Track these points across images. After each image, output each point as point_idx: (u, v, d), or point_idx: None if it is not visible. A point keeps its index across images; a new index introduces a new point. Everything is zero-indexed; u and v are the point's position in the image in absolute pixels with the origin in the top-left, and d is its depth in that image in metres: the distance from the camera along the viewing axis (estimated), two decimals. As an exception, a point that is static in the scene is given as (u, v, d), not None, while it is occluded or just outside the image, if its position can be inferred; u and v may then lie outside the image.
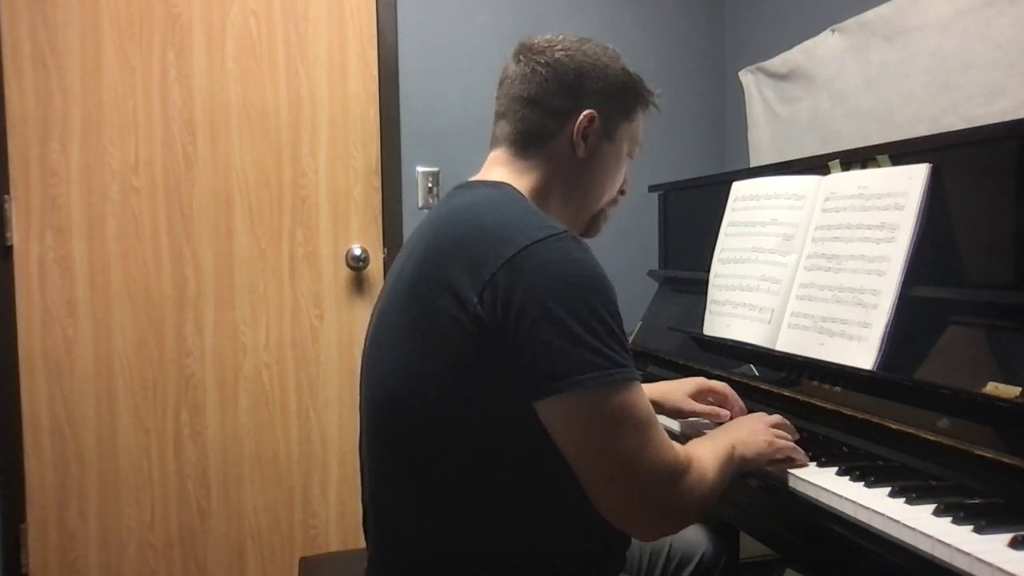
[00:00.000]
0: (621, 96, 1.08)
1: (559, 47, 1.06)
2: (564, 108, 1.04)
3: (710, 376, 1.51)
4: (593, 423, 0.85)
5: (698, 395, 1.33)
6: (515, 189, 1.02)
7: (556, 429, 0.87)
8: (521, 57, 1.07)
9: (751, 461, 1.04)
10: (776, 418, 1.14)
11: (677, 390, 1.34)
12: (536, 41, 1.08)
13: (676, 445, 0.91)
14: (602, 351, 0.85)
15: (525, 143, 1.05)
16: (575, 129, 1.04)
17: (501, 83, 1.10)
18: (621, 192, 1.16)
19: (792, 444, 1.09)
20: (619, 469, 0.86)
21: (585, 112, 1.04)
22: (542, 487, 0.94)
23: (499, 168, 1.07)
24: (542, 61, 1.05)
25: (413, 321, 0.92)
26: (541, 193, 1.05)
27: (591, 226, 1.15)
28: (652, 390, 1.34)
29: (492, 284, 0.86)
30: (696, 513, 0.92)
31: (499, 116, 1.09)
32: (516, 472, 0.93)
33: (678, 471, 0.89)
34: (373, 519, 1.05)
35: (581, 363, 0.84)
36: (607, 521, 0.90)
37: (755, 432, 1.08)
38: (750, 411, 1.28)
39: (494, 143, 1.10)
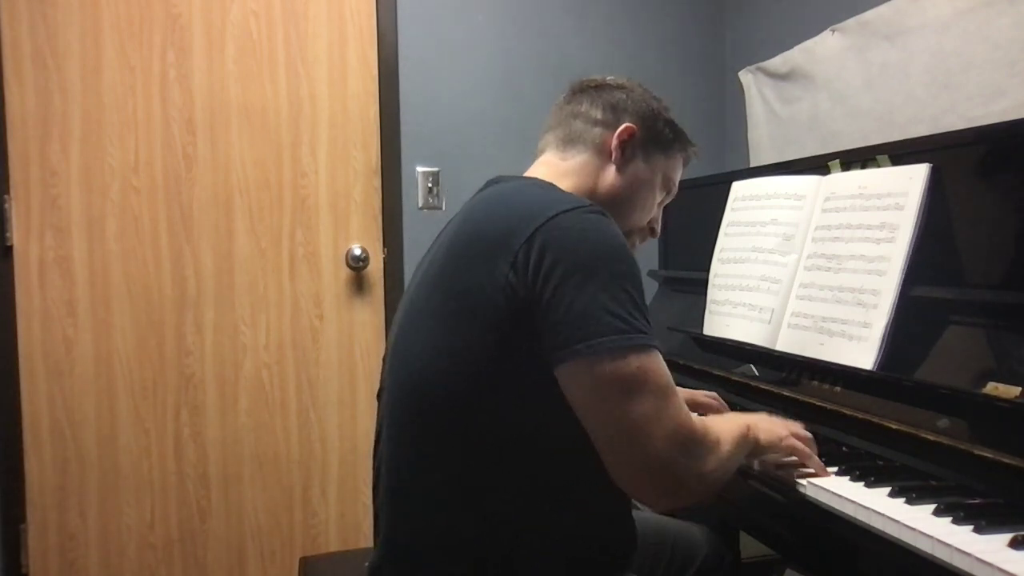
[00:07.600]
0: (660, 128, 1.15)
1: (610, 77, 1.17)
2: (606, 119, 1.12)
3: (711, 376, 1.51)
4: (610, 386, 0.86)
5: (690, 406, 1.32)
6: (544, 180, 1.07)
7: (574, 394, 0.88)
8: (575, 88, 1.18)
9: (763, 445, 1.04)
10: (798, 425, 1.12)
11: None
12: (591, 77, 1.18)
13: (694, 416, 0.92)
14: (621, 315, 0.87)
15: (567, 145, 1.13)
16: (614, 137, 1.11)
17: (552, 111, 1.19)
18: (651, 230, 1.20)
19: (807, 450, 1.07)
20: (635, 433, 0.86)
21: (625, 124, 1.11)
22: (559, 476, 0.96)
23: (540, 168, 1.13)
24: (592, 85, 1.16)
25: (445, 300, 0.95)
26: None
27: None
28: None
29: (521, 254, 0.89)
30: (710, 485, 0.91)
31: (547, 129, 1.17)
32: (537, 456, 0.95)
33: (694, 440, 0.89)
34: (388, 510, 1.04)
35: (599, 326, 0.86)
36: (619, 506, 0.96)
37: (773, 423, 1.09)
38: (751, 412, 1.27)
39: (538, 153, 1.17)
